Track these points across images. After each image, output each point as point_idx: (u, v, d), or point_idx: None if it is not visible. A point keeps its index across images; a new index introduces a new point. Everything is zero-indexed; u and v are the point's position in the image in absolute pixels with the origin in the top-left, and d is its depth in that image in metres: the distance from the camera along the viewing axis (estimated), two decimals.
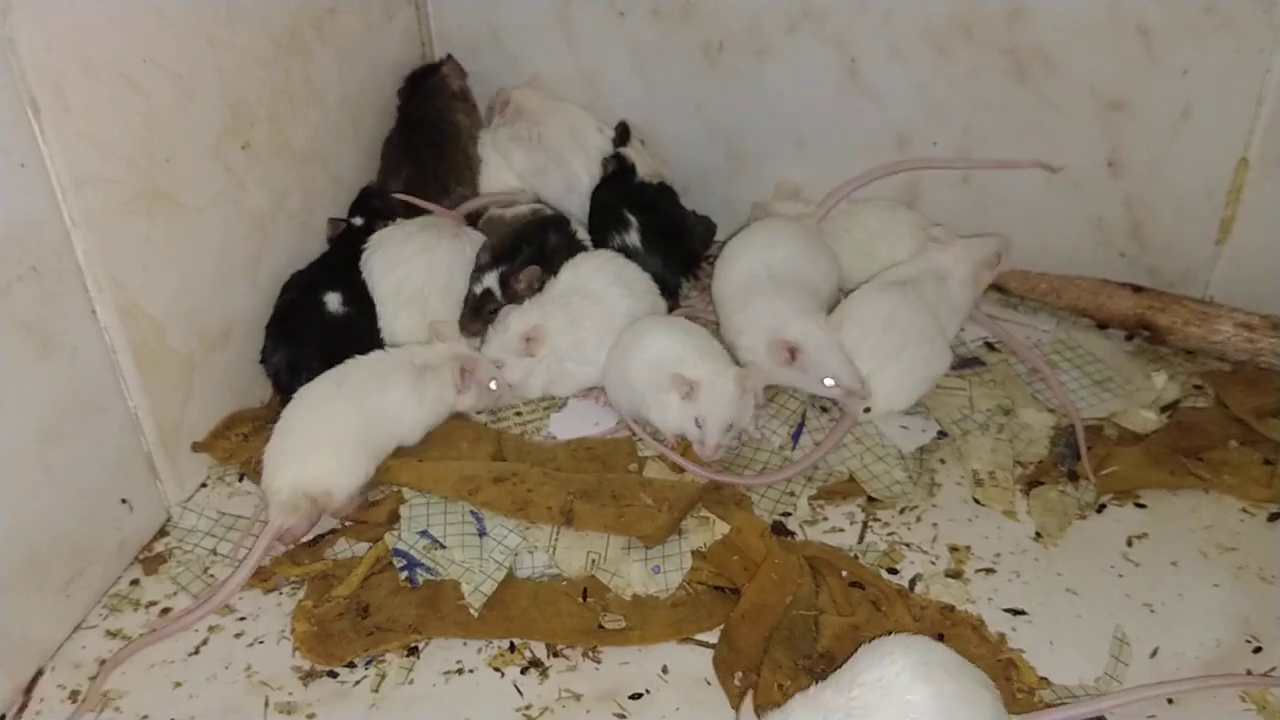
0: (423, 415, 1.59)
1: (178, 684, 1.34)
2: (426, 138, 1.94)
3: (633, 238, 1.80)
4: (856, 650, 1.30)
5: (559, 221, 1.82)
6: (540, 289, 1.71)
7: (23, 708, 1.32)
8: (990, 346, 1.78)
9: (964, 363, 1.73)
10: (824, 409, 1.67)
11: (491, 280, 1.72)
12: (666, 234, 1.82)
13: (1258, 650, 1.33)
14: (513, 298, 1.70)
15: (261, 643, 1.39)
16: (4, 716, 1.31)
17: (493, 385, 1.63)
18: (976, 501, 1.54)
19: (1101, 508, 1.53)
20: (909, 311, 1.65)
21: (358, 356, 1.59)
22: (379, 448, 1.54)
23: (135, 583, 1.47)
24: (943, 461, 1.60)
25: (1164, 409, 1.65)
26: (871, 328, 1.63)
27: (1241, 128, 1.66)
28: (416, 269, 1.73)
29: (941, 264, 1.73)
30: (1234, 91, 1.64)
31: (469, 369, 1.60)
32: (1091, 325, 1.81)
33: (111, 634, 1.41)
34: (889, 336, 1.62)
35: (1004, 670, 1.31)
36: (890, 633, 1.32)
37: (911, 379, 1.63)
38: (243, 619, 1.42)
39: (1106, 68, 1.68)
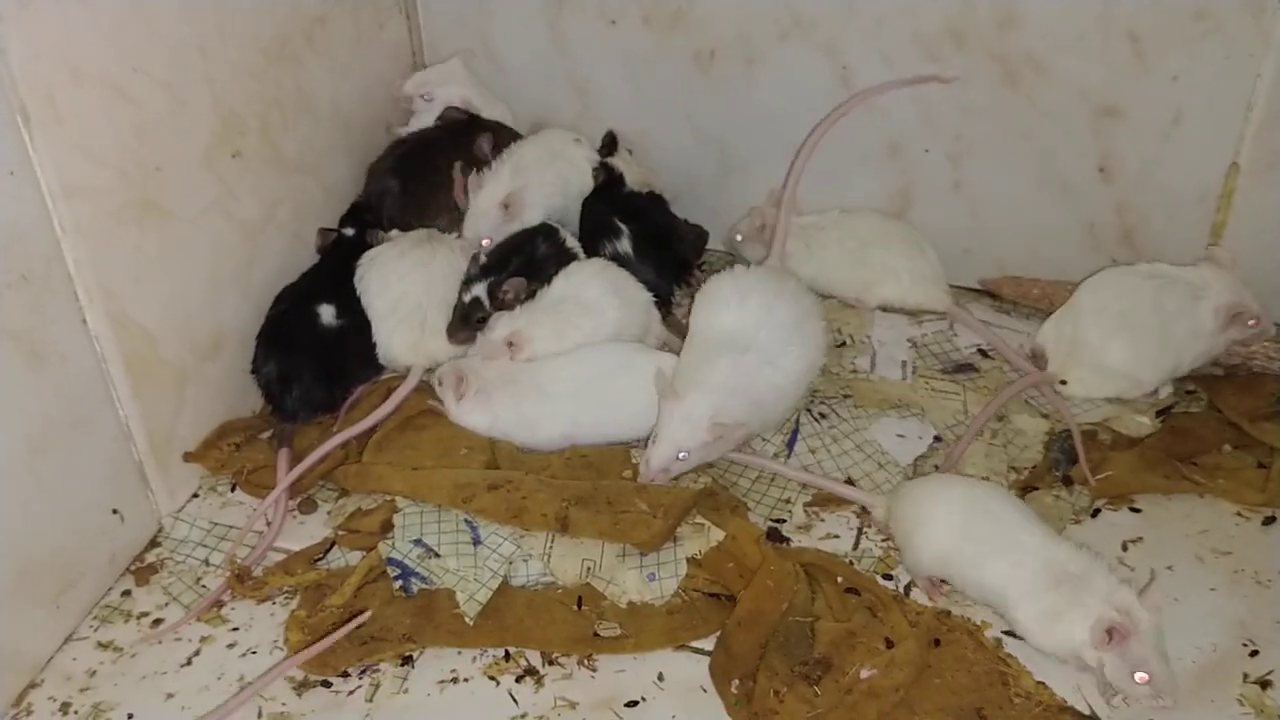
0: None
1: (170, 695, 1.33)
2: (424, 178, 1.91)
3: (624, 245, 1.80)
4: (853, 655, 1.31)
5: (548, 231, 1.81)
6: (531, 297, 1.70)
7: None
8: (983, 353, 1.78)
9: (957, 368, 1.73)
10: (822, 415, 1.66)
11: (480, 290, 1.72)
12: (658, 242, 1.82)
13: (1254, 654, 1.34)
14: (500, 308, 1.70)
15: (254, 653, 1.38)
16: None
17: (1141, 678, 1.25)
18: None
19: (1096, 512, 1.53)
20: (1142, 309, 1.64)
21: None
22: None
23: (127, 594, 1.46)
24: (936, 468, 1.59)
25: (1158, 414, 1.65)
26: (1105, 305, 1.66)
27: (1232, 132, 1.67)
28: (414, 285, 1.73)
29: (1206, 281, 1.66)
30: (1224, 96, 1.65)
31: (1120, 634, 1.25)
32: None
33: (103, 645, 1.39)
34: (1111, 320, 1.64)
35: (1001, 677, 1.31)
36: (887, 639, 1.34)
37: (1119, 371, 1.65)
38: (235, 629, 1.41)
39: (1097, 74, 1.68)
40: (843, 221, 1.87)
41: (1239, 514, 1.52)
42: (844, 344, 1.80)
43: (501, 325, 1.66)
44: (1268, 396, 1.65)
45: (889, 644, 1.32)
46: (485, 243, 1.83)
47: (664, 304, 1.80)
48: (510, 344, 1.64)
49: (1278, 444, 1.57)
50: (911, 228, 1.87)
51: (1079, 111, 1.72)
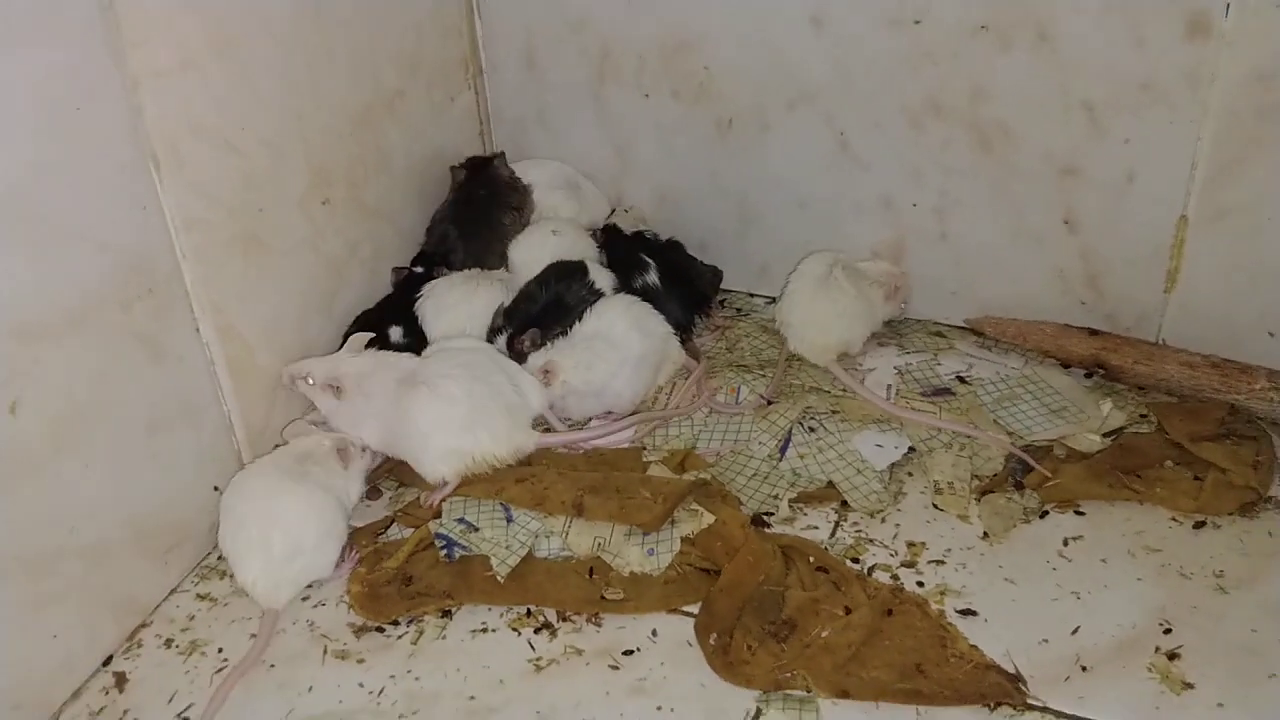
0: None
1: (253, 635, 1.61)
2: (475, 217, 2.19)
3: (653, 277, 2.08)
4: (816, 619, 1.54)
5: (579, 269, 2.05)
6: (564, 335, 1.95)
7: (127, 651, 1.61)
8: (961, 380, 2.01)
9: (936, 392, 1.97)
10: (811, 429, 1.91)
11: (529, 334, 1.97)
12: (678, 278, 2.10)
13: (1168, 631, 1.50)
14: (518, 357, 1.94)
15: (324, 605, 1.65)
16: (112, 656, 1.59)
17: None
18: (936, 507, 1.75)
19: (1044, 514, 1.73)
20: None
21: None
22: None
23: (222, 557, 1.73)
24: (910, 474, 1.81)
25: (1109, 434, 1.84)
26: None
27: (1180, 189, 1.85)
28: (460, 314, 2.02)
29: None
30: (1171, 157, 1.84)
31: None
32: (1055, 365, 2.03)
33: (201, 597, 1.68)
34: None
35: (940, 640, 1.52)
36: (846, 606, 1.56)
37: None
38: (309, 585, 1.68)
39: (1058, 138, 1.90)
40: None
41: (1173, 519, 1.69)
42: None
43: (537, 356, 1.92)
44: (1212, 421, 1.83)
45: (847, 611, 1.54)
46: None
47: (685, 332, 2.08)
48: (545, 372, 1.90)
49: (1216, 461, 1.74)
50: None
51: (1045, 171, 1.94)
